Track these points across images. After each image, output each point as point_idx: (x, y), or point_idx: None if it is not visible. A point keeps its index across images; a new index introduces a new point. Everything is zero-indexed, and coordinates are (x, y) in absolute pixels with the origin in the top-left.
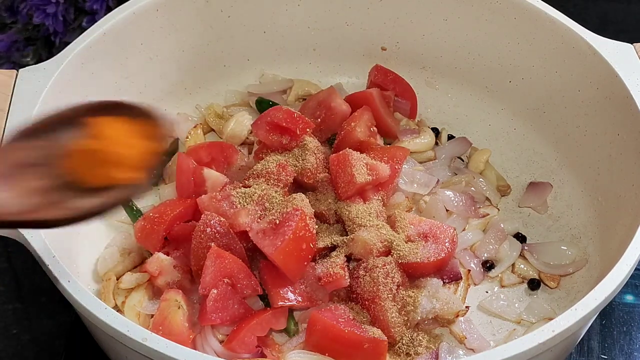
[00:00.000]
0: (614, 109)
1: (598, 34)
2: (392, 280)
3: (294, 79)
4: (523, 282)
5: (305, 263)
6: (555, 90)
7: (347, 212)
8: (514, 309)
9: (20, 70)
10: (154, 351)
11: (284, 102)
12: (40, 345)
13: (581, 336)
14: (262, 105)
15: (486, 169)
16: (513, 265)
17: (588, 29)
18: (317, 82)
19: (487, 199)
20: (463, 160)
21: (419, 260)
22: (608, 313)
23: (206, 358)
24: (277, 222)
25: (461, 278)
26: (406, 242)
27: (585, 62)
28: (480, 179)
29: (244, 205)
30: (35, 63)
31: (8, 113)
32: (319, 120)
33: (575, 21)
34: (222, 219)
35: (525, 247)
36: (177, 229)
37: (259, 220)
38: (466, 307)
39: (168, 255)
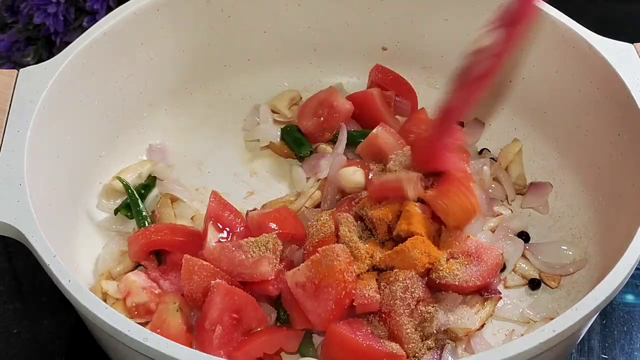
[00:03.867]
0: (614, 108)
1: (598, 34)
2: (411, 295)
3: (282, 90)
4: (524, 282)
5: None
6: (555, 90)
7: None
8: (515, 309)
9: (21, 70)
10: (155, 351)
11: (291, 114)
12: (41, 345)
13: (582, 336)
14: (290, 134)
15: (514, 163)
16: (514, 265)
17: (588, 29)
18: (318, 82)
19: (506, 197)
20: (489, 151)
21: (457, 283)
22: (609, 313)
23: (206, 358)
24: (316, 282)
25: (499, 294)
26: (448, 260)
27: (586, 62)
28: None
29: (260, 254)
30: (36, 63)
31: (8, 113)
32: (322, 119)
33: (576, 21)
34: (204, 262)
35: (526, 247)
36: (176, 258)
37: (298, 269)
38: (481, 325)
39: (166, 273)
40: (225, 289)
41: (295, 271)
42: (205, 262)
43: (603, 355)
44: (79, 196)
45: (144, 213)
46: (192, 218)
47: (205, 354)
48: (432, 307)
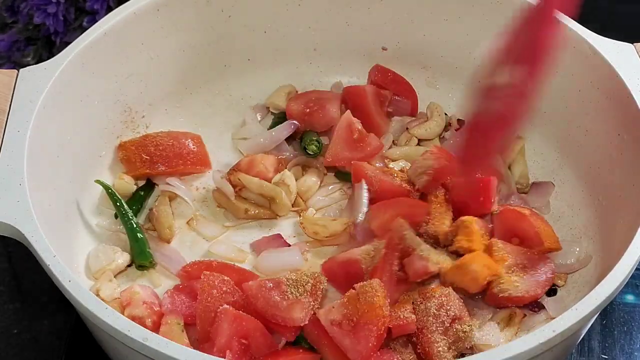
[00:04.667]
0: (614, 108)
1: (598, 34)
2: (446, 312)
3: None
4: None
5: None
6: (555, 90)
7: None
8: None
9: (21, 70)
10: (155, 351)
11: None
12: (41, 345)
13: (582, 336)
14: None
15: (517, 161)
16: None
17: (588, 29)
18: (318, 82)
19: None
20: None
21: (520, 295)
22: (609, 313)
23: (206, 358)
24: (355, 319)
25: (543, 308)
26: (506, 274)
27: (586, 62)
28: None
29: (297, 297)
30: (36, 63)
31: (8, 113)
32: (307, 110)
33: (576, 21)
34: (226, 277)
35: None
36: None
37: (332, 307)
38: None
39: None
40: (232, 315)
41: (329, 309)
42: (226, 277)
43: (603, 356)
44: (79, 196)
45: (130, 214)
46: (187, 222)
47: (205, 354)
48: (468, 326)
